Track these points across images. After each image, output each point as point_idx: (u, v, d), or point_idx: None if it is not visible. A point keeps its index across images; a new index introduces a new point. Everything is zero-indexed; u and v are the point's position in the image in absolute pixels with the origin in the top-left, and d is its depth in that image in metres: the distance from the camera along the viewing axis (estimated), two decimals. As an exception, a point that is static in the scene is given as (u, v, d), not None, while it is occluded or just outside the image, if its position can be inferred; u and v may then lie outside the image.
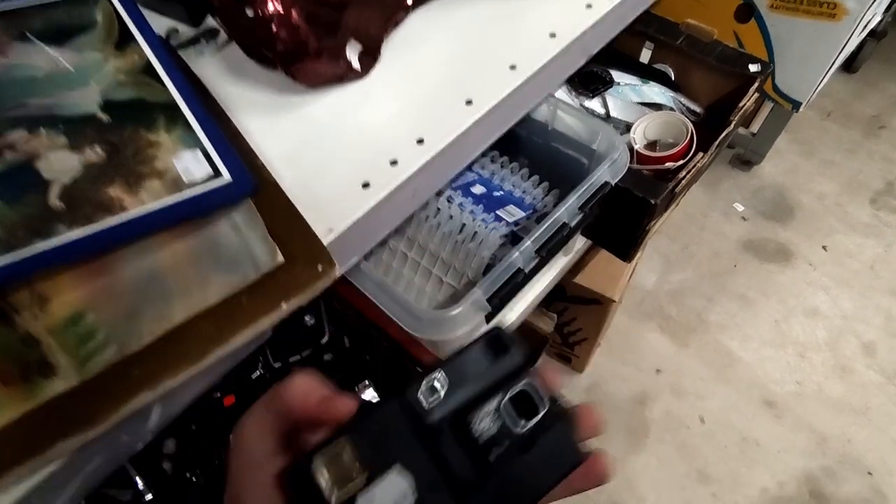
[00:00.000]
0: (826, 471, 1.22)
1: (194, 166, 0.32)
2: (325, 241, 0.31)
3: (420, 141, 0.41)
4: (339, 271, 0.29)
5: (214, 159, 0.32)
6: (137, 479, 0.59)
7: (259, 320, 0.27)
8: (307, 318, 0.73)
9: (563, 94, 0.92)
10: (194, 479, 0.66)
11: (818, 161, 1.79)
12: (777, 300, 1.50)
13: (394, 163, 0.38)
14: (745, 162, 1.77)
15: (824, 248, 1.59)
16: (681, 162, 0.84)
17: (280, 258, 0.29)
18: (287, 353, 0.70)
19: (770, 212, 1.67)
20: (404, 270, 0.72)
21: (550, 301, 1.21)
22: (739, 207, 1.68)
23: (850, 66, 1.98)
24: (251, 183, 0.31)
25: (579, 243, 0.92)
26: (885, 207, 1.66)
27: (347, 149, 0.39)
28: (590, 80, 0.94)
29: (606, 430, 1.30)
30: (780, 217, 1.66)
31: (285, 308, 0.28)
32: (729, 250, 1.60)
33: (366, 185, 0.36)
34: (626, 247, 0.84)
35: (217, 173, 0.32)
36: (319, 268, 0.29)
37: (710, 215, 1.68)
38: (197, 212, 0.30)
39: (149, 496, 0.58)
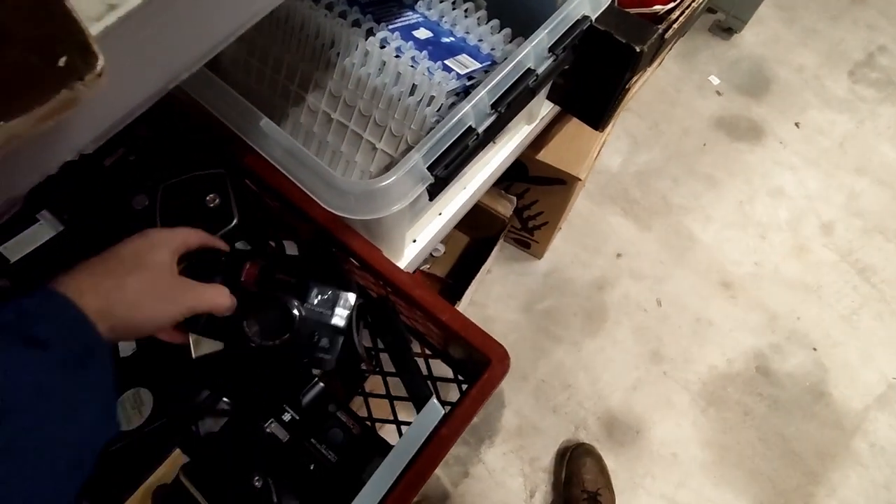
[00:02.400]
0: (774, 347, 1.24)
1: None
2: (98, 24, 0.17)
3: None
4: (101, 69, 0.15)
5: None
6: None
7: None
8: (210, 197, 0.58)
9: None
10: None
11: (800, 29, 1.64)
12: (743, 180, 1.43)
13: None
14: (726, 29, 1.60)
15: (797, 124, 1.50)
16: (672, 4, 0.69)
17: (-19, 41, 0.14)
18: None
19: (746, 85, 1.55)
20: (329, 137, 0.57)
21: (510, 182, 1.09)
22: (715, 81, 1.55)
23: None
24: None
25: (545, 109, 0.78)
26: (862, 80, 1.57)
27: None
28: None
29: (563, 315, 1.27)
30: (756, 91, 1.54)
31: (-12, 136, 0.14)
32: (700, 128, 1.49)
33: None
34: (600, 111, 0.71)
35: None
36: (62, 62, 0.15)
37: (684, 90, 1.55)
38: None
39: None
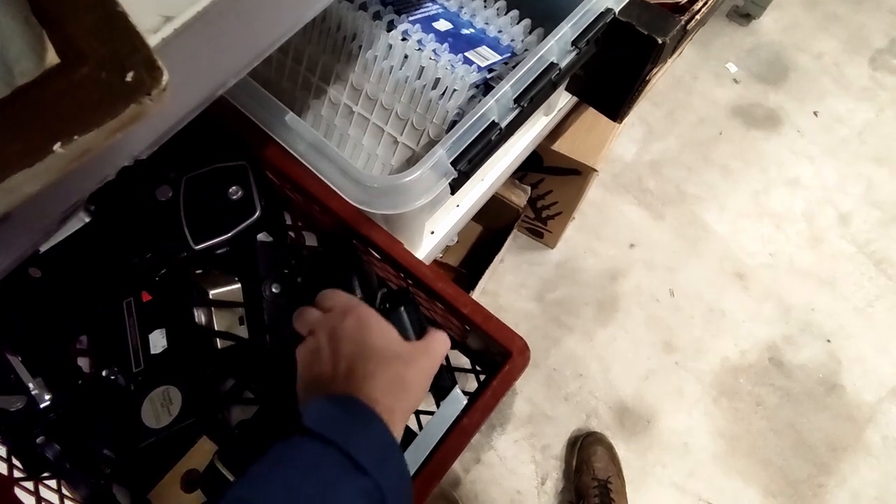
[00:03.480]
0: (787, 339, 1.24)
1: None
2: (155, 37, 0.18)
3: None
4: (166, 83, 0.16)
5: None
6: (31, 384, 0.49)
7: (11, 179, 0.14)
8: (233, 189, 0.59)
9: None
10: (112, 377, 0.57)
11: (821, 14, 1.61)
12: (759, 170, 1.42)
13: None
14: (744, 15, 1.57)
15: (815, 113, 1.48)
16: (694, -7, 0.68)
17: (52, 57, 0.15)
18: (209, 233, 0.57)
19: (764, 73, 1.52)
20: (350, 130, 0.58)
21: (525, 172, 1.09)
22: (732, 68, 1.53)
23: None
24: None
25: (563, 100, 0.77)
26: (883, 67, 1.54)
27: None
28: None
29: (575, 305, 1.27)
30: (774, 79, 1.52)
31: (63, 152, 0.14)
32: (716, 116, 1.48)
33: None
34: (620, 103, 0.71)
35: None
36: (129, 76, 0.15)
37: (700, 77, 1.53)
38: None
39: (45, 401, 0.49)
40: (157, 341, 0.52)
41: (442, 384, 0.50)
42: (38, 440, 0.47)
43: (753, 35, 1.58)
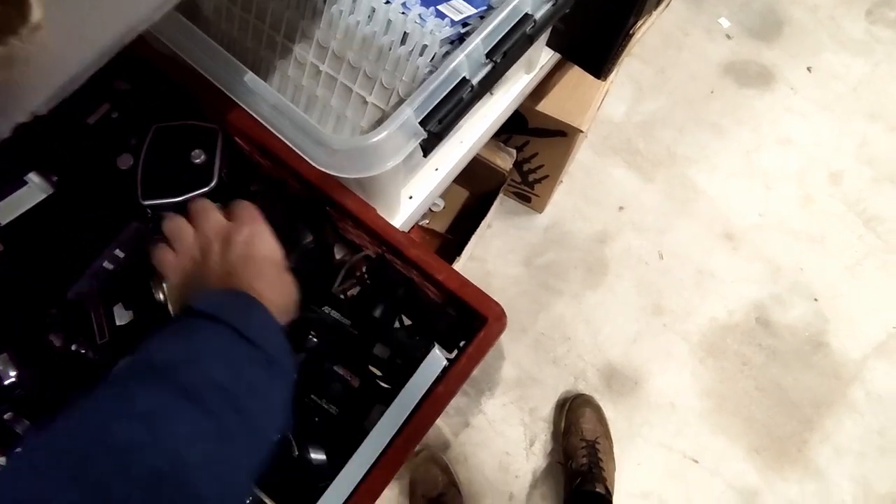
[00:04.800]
0: (775, 298, 1.24)
1: None
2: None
3: None
4: (38, 21, 0.14)
5: None
6: (-6, 360, 0.48)
7: None
8: (196, 152, 0.56)
9: None
10: (83, 351, 0.56)
11: (818, -35, 1.55)
12: (751, 129, 1.39)
13: None
14: (738, -34, 1.52)
15: (809, 69, 1.44)
16: (680, -62, 0.64)
17: None
18: (159, 192, 0.54)
19: (757, 28, 1.48)
20: (318, 90, 0.55)
21: (509, 134, 1.06)
22: (725, 23, 1.48)
23: None
24: None
25: (545, 57, 0.74)
26: (880, 20, 1.49)
27: None
28: None
29: (564, 269, 1.27)
30: (768, 34, 1.48)
31: None
32: (707, 74, 1.44)
33: None
34: (602, 59, 0.68)
35: None
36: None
37: (692, 33, 1.48)
38: None
39: (11, 377, 0.48)
40: (122, 313, 0.51)
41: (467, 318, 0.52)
42: (6, 416, 0.46)
43: (748, -12, 1.53)
